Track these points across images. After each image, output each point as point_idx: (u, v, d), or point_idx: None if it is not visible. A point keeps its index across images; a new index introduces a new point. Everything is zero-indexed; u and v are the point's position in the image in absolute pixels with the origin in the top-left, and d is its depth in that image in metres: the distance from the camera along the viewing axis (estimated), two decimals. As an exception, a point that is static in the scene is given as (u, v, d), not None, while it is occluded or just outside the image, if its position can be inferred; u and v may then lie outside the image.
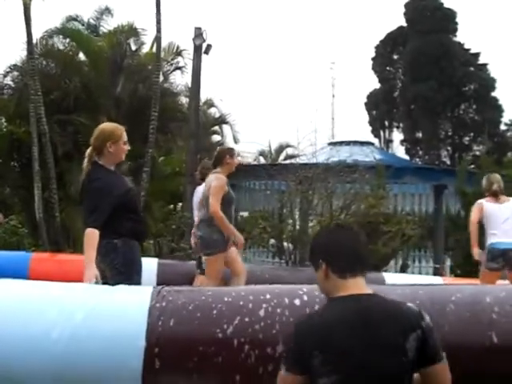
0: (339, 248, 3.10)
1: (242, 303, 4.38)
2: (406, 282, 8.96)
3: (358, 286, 3.02)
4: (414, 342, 2.85)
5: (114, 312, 4.37)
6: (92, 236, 5.30)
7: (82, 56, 20.89)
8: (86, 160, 5.69)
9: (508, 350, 4.14)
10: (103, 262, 5.51)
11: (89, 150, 5.68)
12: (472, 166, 26.72)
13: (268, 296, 4.42)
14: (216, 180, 7.68)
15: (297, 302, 4.37)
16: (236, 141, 27.76)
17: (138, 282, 5.45)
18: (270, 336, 4.16)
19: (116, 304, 4.46)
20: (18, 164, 20.24)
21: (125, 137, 5.67)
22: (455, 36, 37.60)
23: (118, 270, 5.42)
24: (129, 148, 5.72)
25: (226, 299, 4.42)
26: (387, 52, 38.36)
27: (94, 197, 5.48)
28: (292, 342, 3.06)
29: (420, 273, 16.85)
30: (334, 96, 40.72)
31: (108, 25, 21.75)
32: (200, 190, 8.29)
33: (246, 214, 20.80)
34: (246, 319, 4.26)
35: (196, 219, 8.14)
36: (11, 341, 4.19)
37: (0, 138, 18.42)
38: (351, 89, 59.67)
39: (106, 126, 5.85)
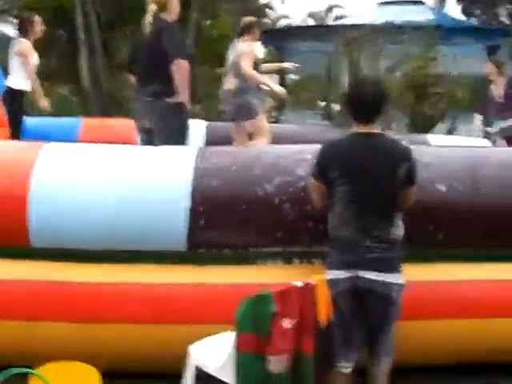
0: (356, 101, 4.01)
1: (282, 163, 4.55)
2: (449, 144, 9.03)
3: (369, 128, 3.95)
4: (404, 169, 3.87)
5: (160, 173, 4.58)
6: (187, 68, 5.67)
7: None
8: (149, 16, 5.84)
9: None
10: (158, 122, 5.73)
11: (153, 6, 5.87)
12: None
13: (308, 156, 4.55)
14: (247, 47, 8.02)
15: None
16: (282, 1, 27.22)
17: (184, 144, 5.67)
18: (309, 194, 4.34)
19: (162, 164, 4.66)
20: (63, 32, 20.19)
21: None
22: None
23: (170, 131, 5.62)
24: None
25: (266, 159, 4.59)
26: None
27: (175, 35, 5.81)
28: (318, 157, 4.03)
29: (470, 135, 16.67)
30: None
31: None
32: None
33: (294, 76, 20.69)
34: (287, 178, 4.45)
35: (229, 87, 8.21)
36: (68, 195, 4.46)
37: (44, 7, 18.26)
38: None
39: None
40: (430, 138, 9.65)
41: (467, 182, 4.51)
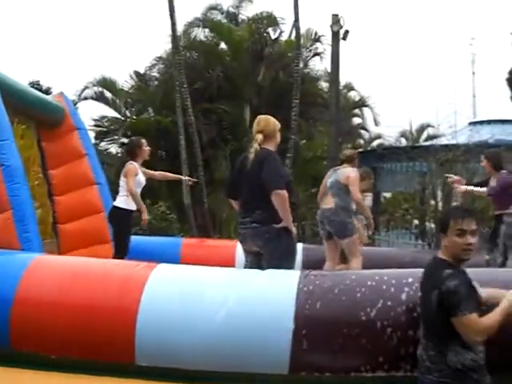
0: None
1: (384, 287, 4.61)
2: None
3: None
4: (435, 297, 3.89)
5: (265, 295, 4.71)
6: (286, 197, 5.80)
7: (223, 46, 21.50)
8: (255, 144, 6.11)
9: None
10: (265, 246, 5.90)
11: (259, 136, 6.11)
12: None
13: (410, 280, 4.62)
14: (354, 172, 8.38)
15: (438, 285, 4.54)
16: (376, 123, 27.66)
17: (291, 267, 5.82)
18: (411, 319, 4.37)
19: (267, 287, 4.80)
20: (164, 152, 21.01)
21: None
22: None
23: (278, 255, 5.80)
24: None
25: (369, 283, 4.66)
26: (528, 24, 36.67)
27: (275, 166, 5.99)
28: None
29: None
30: (474, 73, 39.68)
31: (247, 12, 22.29)
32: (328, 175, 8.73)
33: (388, 194, 20.81)
34: (389, 303, 4.49)
35: (328, 206, 8.41)
36: (175, 317, 4.62)
37: (148, 128, 19.19)
38: (493, 65, 57.37)
39: (269, 117, 6.36)
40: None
41: None
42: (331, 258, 8.42)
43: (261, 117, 6.37)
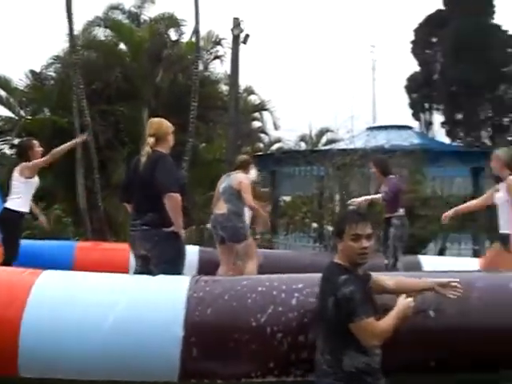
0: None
1: (275, 293, 4.60)
2: (442, 265, 9.15)
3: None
4: (331, 303, 3.92)
5: (155, 301, 4.62)
6: (179, 200, 5.76)
7: (122, 46, 21.16)
8: (147, 147, 6.02)
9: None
10: (153, 250, 5.81)
11: (151, 139, 6.03)
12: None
13: (300, 285, 4.63)
14: (246, 179, 8.46)
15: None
16: (276, 127, 27.98)
17: (179, 271, 5.76)
18: (301, 324, 4.38)
19: (155, 294, 4.70)
20: (60, 153, 20.42)
21: None
22: (493, 18, 37.14)
23: (166, 259, 5.73)
24: None
25: (260, 289, 4.64)
26: (426, 35, 38.11)
27: (169, 168, 5.91)
28: None
29: (460, 255, 16.78)
30: (374, 79, 40.91)
31: (149, 13, 22.01)
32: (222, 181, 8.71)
33: (287, 198, 21.00)
34: (280, 308, 4.48)
35: (220, 211, 8.40)
36: (60, 326, 4.46)
37: (43, 128, 18.68)
38: (392, 72, 59.05)
39: (162, 119, 6.31)
40: (422, 258, 9.77)
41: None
42: (225, 263, 8.43)
43: (153, 120, 6.31)
